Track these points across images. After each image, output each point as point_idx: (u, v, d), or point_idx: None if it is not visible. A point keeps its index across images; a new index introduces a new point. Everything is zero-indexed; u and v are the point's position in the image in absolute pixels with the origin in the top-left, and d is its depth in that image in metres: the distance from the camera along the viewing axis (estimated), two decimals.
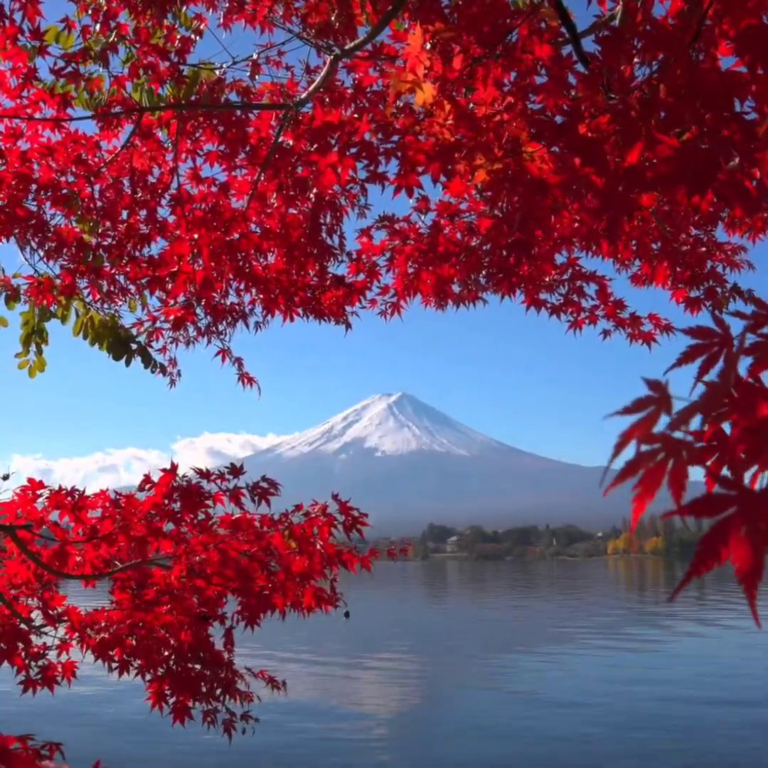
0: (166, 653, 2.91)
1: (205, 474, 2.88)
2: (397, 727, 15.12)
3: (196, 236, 3.65)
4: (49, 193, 3.76)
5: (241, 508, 2.88)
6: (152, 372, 4.05)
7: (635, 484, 0.75)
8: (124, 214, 3.88)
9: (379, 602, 46.46)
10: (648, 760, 12.67)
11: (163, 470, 2.86)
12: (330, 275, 3.81)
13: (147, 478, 2.88)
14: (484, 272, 3.59)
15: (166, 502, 2.84)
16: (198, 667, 2.98)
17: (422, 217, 3.56)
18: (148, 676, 2.98)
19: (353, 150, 2.96)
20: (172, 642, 2.90)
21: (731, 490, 0.70)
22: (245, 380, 4.30)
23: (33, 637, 3.09)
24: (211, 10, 3.68)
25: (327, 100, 3.29)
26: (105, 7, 3.59)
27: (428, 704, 17.60)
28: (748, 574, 0.67)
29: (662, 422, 0.77)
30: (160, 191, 3.86)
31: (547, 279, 3.83)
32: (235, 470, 2.87)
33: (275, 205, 3.65)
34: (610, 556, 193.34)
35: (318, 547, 2.83)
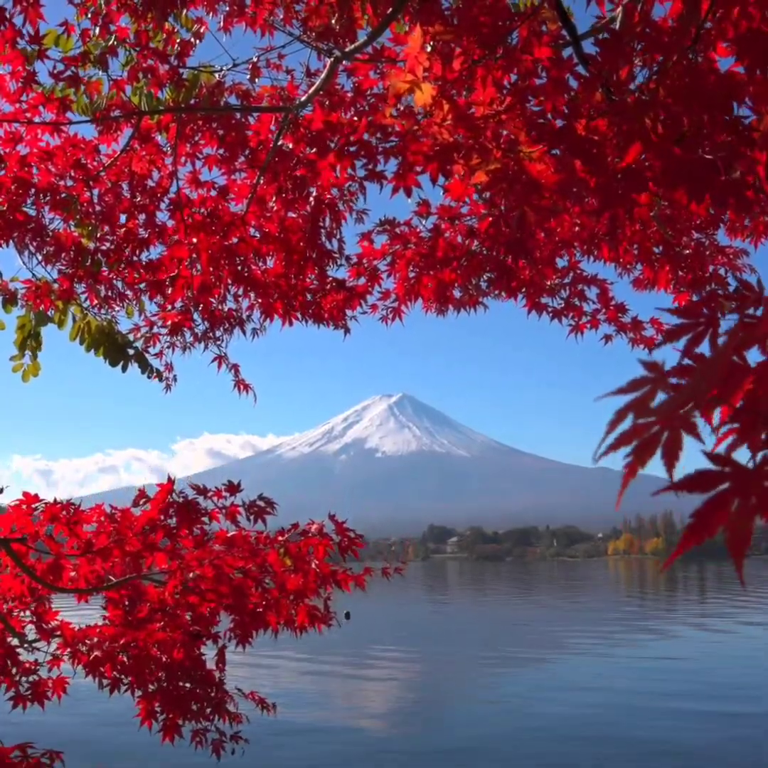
0: (158, 672, 2.88)
1: (201, 490, 2.86)
2: (397, 732, 15.09)
3: (195, 240, 3.63)
4: (48, 198, 3.73)
5: (237, 525, 2.86)
6: (148, 377, 4.03)
7: (628, 453, 0.76)
8: (123, 218, 3.86)
9: (380, 603, 46.41)
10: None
11: (160, 485, 2.84)
12: (330, 279, 3.79)
13: (142, 493, 2.87)
14: (485, 277, 3.56)
15: (162, 517, 2.81)
16: (188, 685, 2.96)
17: (423, 221, 3.54)
18: (138, 693, 2.96)
19: (352, 149, 2.93)
20: (164, 660, 2.87)
21: (724, 467, 0.72)
22: (241, 387, 4.29)
23: (24, 654, 3.06)
24: (211, 14, 3.66)
25: (327, 103, 3.27)
26: (104, 11, 3.57)
27: (429, 709, 17.57)
28: (737, 544, 0.71)
29: (658, 401, 0.78)
30: (159, 195, 3.84)
31: (548, 283, 3.81)
32: (232, 487, 2.85)
33: (274, 208, 3.63)
34: (611, 557, 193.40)
35: (313, 565, 2.80)
